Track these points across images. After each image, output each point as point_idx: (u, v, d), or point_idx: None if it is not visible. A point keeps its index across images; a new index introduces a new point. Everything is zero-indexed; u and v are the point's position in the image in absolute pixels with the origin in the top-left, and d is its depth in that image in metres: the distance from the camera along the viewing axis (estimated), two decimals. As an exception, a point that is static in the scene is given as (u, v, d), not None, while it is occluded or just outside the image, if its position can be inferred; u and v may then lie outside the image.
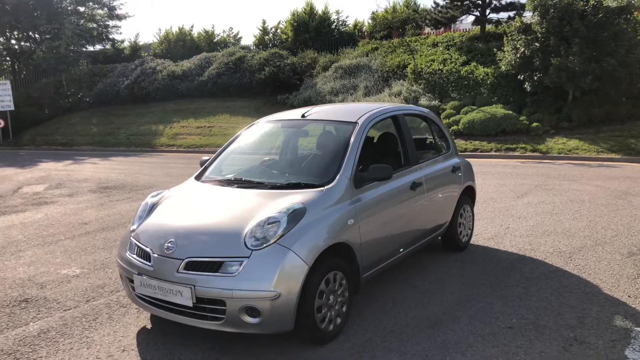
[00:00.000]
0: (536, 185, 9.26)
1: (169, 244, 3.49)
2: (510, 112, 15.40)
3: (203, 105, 22.97)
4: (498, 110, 15.51)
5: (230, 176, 4.30)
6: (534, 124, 14.85)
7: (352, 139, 4.07)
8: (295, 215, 3.44)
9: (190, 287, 3.29)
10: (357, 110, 4.57)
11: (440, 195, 4.98)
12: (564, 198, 8.10)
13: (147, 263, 3.56)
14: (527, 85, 15.42)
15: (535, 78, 15.05)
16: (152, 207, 4.06)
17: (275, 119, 4.83)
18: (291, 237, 3.33)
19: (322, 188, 3.74)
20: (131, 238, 3.86)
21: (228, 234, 3.42)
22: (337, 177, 3.82)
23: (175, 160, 15.89)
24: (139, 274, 3.57)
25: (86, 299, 4.52)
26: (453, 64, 17.96)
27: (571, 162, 12.53)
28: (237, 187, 4.02)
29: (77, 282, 4.94)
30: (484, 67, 17.35)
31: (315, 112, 4.63)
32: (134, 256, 3.72)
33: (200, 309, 3.34)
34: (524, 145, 14.17)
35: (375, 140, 5.10)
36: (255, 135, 4.82)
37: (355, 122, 4.24)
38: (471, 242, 5.78)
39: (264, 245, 3.29)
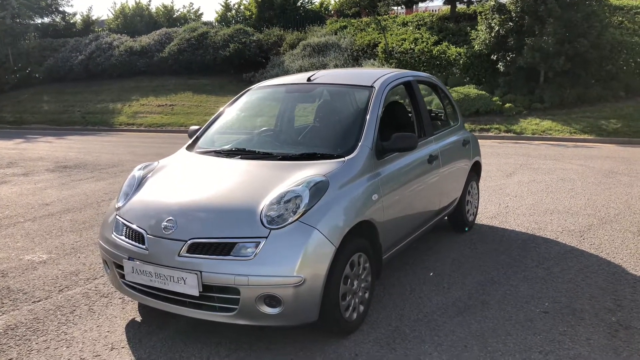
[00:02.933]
0: (521, 165, 9.08)
1: (167, 223, 2.95)
2: (484, 92, 15.26)
3: (164, 83, 21.92)
4: (471, 90, 15.34)
5: (229, 147, 3.76)
6: (507, 105, 14.77)
7: (371, 104, 3.60)
8: (317, 189, 2.96)
9: (197, 274, 2.77)
10: (369, 75, 4.10)
11: (453, 171, 4.59)
12: (553, 177, 7.92)
13: (141, 246, 3.00)
14: (500, 66, 15.30)
15: (509, 58, 14.93)
16: (141, 181, 3.48)
17: (276, 84, 4.28)
18: (315, 214, 2.86)
19: (342, 159, 3.26)
20: (117, 217, 3.28)
21: (240, 211, 2.90)
22: (358, 146, 3.35)
23: (138, 139, 15.00)
24: (130, 258, 3.01)
25: (59, 289, 3.91)
26: (424, 44, 17.66)
27: (547, 143, 12.49)
28: (241, 158, 3.48)
29: (46, 269, 4.31)
30: (456, 47, 17.14)
31: (322, 75, 4.13)
32: (123, 238, 3.15)
33: (208, 299, 2.83)
34: (497, 126, 14.07)
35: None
36: (253, 102, 4.27)
37: (372, 86, 3.77)
38: (475, 221, 5.46)
39: (285, 223, 2.80)
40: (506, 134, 13.63)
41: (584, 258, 4.43)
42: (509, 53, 14.87)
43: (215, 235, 2.84)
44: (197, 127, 4.23)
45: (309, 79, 4.04)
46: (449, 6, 19.95)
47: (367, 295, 3.27)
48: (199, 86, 21.02)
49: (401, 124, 4.35)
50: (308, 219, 2.82)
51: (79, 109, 20.72)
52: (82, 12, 33.35)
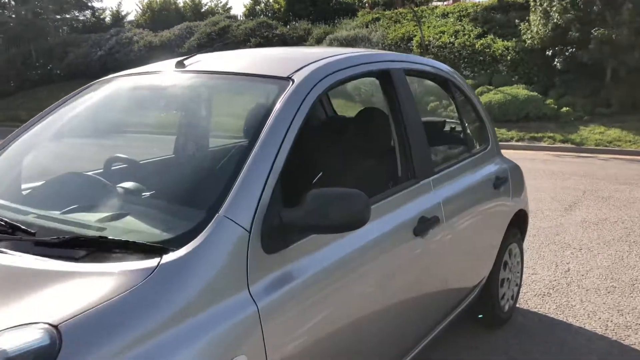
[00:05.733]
0: (585, 191, 6.77)
1: None
2: (535, 94, 12.85)
3: (181, 81, 20.44)
4: (520, 91, 12.96)
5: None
6: (564, 109, 12.30)
7: (271, 119, 1.57)
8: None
9: None
10: (295, 57, 2.07)
11: (471, 237, 2.50)
12: (634, 213, 5.62)
13: None
14: (557, 62, 12.79)
15: (568, 53, 12.42)
16: None
17: (128, 73, 2.28)
18: None
19: (156, 259, 1.25)
20: None
21: None
22: (212, 222, 1.33)
23: (139, 143, 13.38)
24: None
25: None
26: (466, 37, 15.33)
27: (616, 157, 10.00)
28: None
29: None
30: (503, 41, 14.73)
31: (206, 59, 2.10)
32: None
33: None
34: (551, 134, 11.64)
35: (350, 123, 2.65)
36: (95, 104, 2.29)
37: (288, 79, 1.73)
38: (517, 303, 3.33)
39: None
40: (562, 145, 11.20)
41: None
42: (569, 47, 12.35)
43: None
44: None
45: (180, 64, 2.04)
46: (497, -6, 17.46)
47: None
48: (217, 84, 19.41)
49: (379, 151, 2.32)
50: None
51: (91, 108, 19.49)
52: (112, 8, 32.65)
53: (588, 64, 12.21)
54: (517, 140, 11.67)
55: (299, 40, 19.71)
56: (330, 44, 17.95)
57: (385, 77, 2.16)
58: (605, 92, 12.32)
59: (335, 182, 1.95)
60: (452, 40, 15.35)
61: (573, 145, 11.08)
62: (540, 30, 12.84)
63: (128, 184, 1.89)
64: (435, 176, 2.24)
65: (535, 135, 11.76)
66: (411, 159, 2.11)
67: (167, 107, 2.24)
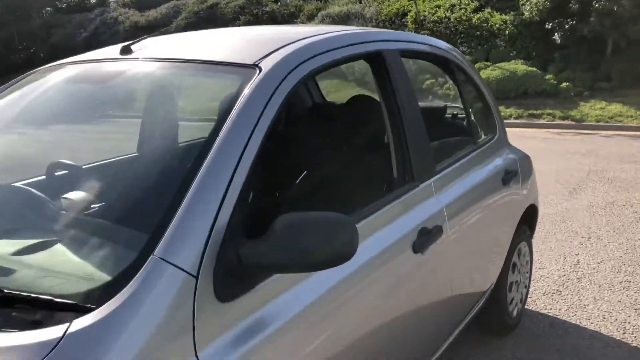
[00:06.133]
0: (589, 172, 6.46)
1: None
2: (534, 69, 12.44)
3: (170, 61, 19.87)
4: (518, 67, 12.55)
5: None
6: (564, 84, 11.93)
7: (230, 121, 1.23)
8: None
9: None
10: (265, 39, 1.72)
11: (478, 244, 2.19)
12: (642, 196, 5.33)
13: None
14: (556, 36, 12.38)
15: (567, 26, 11.99)
16: None
17: (67, 61, 1.90)
18: None
19: (57, 329, 0.91)
20: None
21: None
22: (142, 270, 1.00)
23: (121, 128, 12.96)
24: None
25: None
26: (463, 11, 14.84)
27: (618, 133, 9.68)
28: None
29: None
30: (500, 14, 14.26)
31: (158, 44, 1.74)
32: None
33: None
34: (551, 111, 11.29)
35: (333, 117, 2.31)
36: (21, 99, 1.93)
37: (253, 67, 1.38)
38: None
39: None
40: (562, 122, 10.87)
41: None
42: (569, 20, 11.92)
43: None
44: None
45: (125, 50, 1.67)
46: (494, -34, 16.90)
47: None
48: (206, 64, 18.87)
49: (369, 149, 1.98)
50: None
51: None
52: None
53: (588, 37, 11.81)
54: (516, 118, 11.31)
55: (290, 17, 19.14)
56: (323, 21, 17.42)
57: (377, 60, 1.81)
58: (605, 66, 11.95)
59: (317, 188, 1.62)
60: (448, 14, 14.86)
61: (573, 122, 10.75)
62: (539, 1, 12.38)
63: (69, 198, 1.55)
64: (437, 177, 1.91)
65: (535, 112, 11.41)
66: (409, 158, 1.77)
67: (104, 105, 1.88)
